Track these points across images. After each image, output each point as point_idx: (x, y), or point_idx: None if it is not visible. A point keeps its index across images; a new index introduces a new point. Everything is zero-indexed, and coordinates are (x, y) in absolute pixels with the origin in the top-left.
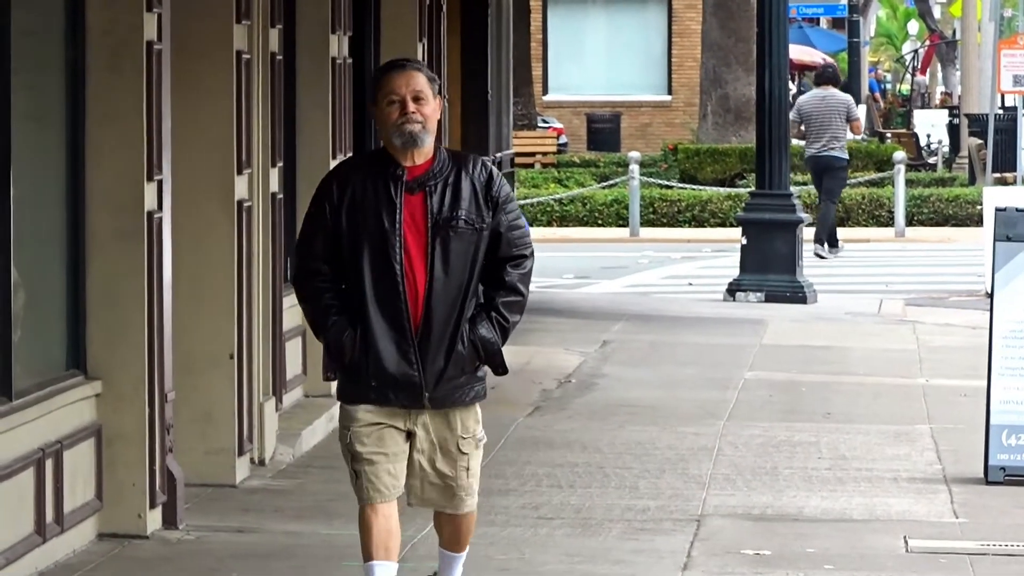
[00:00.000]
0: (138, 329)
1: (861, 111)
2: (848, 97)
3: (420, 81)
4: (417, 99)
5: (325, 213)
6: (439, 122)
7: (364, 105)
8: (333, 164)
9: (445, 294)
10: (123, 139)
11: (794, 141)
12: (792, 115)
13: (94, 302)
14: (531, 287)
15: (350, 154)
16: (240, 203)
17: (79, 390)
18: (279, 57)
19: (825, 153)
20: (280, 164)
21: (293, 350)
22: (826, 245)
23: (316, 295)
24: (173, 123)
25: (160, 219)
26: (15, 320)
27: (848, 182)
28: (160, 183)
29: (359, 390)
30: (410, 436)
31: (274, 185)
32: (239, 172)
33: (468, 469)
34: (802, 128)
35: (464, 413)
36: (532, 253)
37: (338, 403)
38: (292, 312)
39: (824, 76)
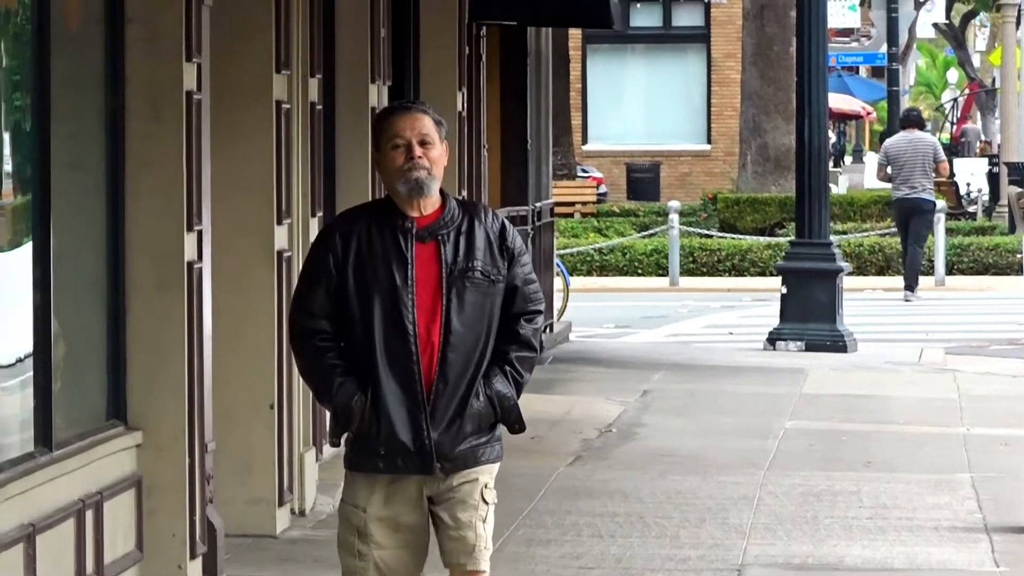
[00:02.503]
0: (178, 379)
1: None
2: (934, 139)
3: (426, 124)
4: (423, 143)
5: (328, 267)
6: (479, 171)
7: None
8: None
9: (461, 350)
10: (163, 189)
11: (884, 185)
12: (879, 158)
13: (134, 352)
14: (572, 336)
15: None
16: (280, 253)
17: (119, 440)
18: (319, 107)
19: (913, 196)
20: (320, 214)
21: None
22: (913, 290)
23: (317, 355)
24: (213, 173)
25: (200, 269)
26: (55, 370)
27: (888, 231)
28: (200, 233)
29: (368, 458)
30: (427, 499)
31: (314, 235)
32: (279, 222)
33: (485, 521)
34: (888, 171)
35: (485, 469)
36: (543, 308)
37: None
38: None
39: (910, 119)
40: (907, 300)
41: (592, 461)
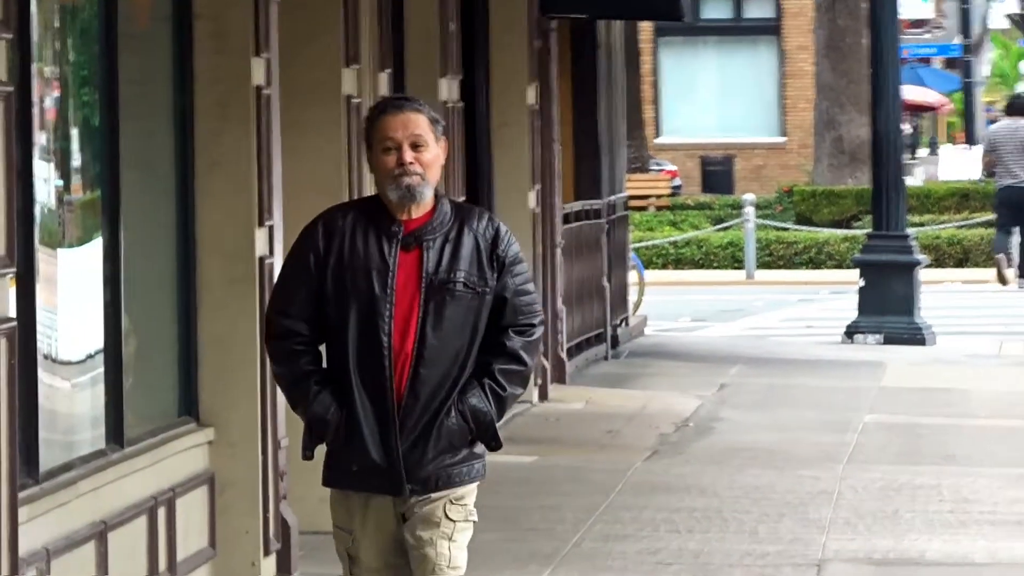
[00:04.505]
0: (250, 375)
1: (977, 151)
2: None
3: (420, 124)
4: (416, 146)
5: (309, 266)
6: (551, 165)
7: (476, 150)
8: None
9: (435, 366)
10: (233, 185)
11: (961, 177)
12: (985, 145)
13: (206, 349)
14: (647, 330)
15: (462, 199)
16: None
17: (191, 437)
18: None
19: (1018, 185)
20: None
21: None
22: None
23: (292, 359)
24: (283, 168)
25: (271, 264)
26: (127, 368)
27: (966, 222)
28: (271, 228)
29: (342, 475)
30: (405, 518)
31: None
32: None
33: (451, 539)
34: (993, 157)
35: (458, 491)
36: (541, 322)
37: None
38: None
39: (1015, 106)
40: (1021, 287)
41: (669, 456)
